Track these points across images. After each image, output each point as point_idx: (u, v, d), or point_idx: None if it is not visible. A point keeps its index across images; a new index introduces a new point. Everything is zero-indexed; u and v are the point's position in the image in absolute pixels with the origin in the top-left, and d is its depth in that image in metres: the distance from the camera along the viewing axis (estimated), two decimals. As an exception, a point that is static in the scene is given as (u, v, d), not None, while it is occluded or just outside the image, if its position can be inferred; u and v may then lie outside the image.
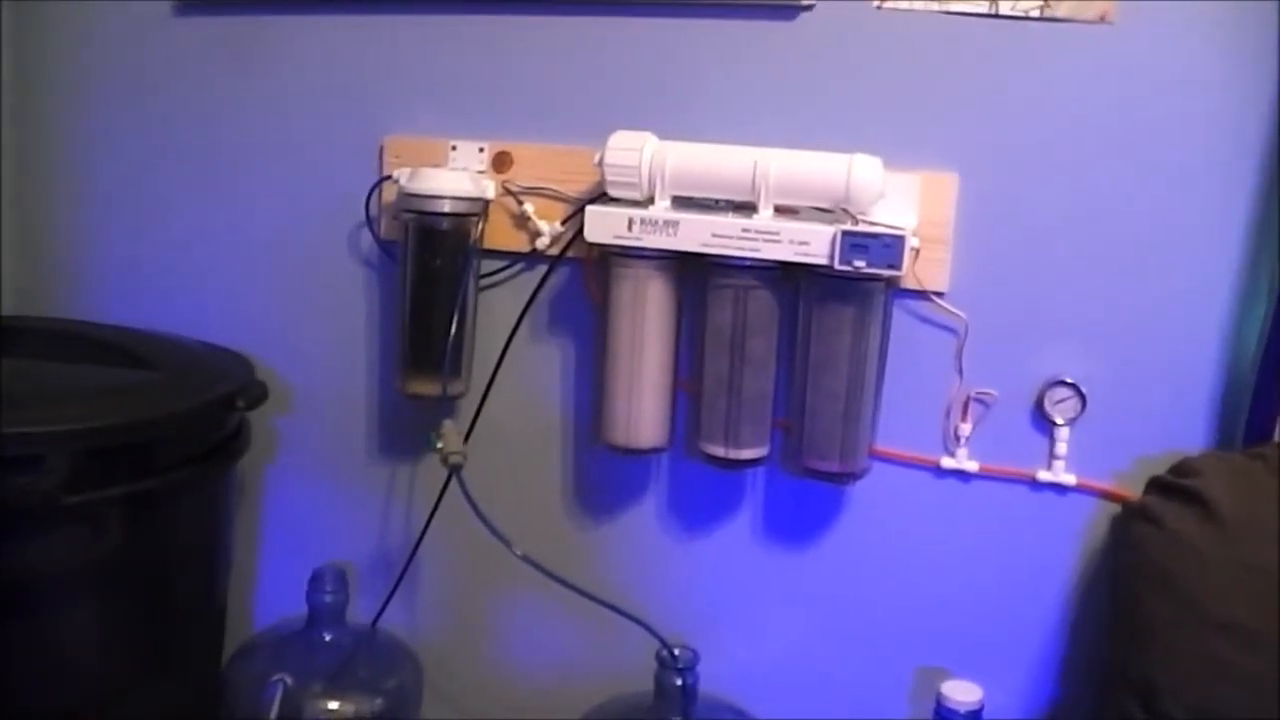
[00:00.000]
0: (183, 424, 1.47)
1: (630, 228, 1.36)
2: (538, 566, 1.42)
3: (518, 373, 1.58)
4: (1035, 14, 1.32)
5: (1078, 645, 1.41)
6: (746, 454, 1.42)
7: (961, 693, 1.36)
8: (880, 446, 1.44)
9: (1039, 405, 1.37)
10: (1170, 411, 1.34)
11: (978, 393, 1.40)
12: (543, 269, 1.55)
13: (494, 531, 1.42)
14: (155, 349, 1.63)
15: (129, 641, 1.49)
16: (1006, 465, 1.40)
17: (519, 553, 1.43)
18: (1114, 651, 1.31)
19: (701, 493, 1.55)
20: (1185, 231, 1.31)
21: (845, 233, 1.27)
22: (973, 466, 1.41)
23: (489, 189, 1.52)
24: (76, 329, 1.71)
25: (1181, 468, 1.29)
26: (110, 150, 1.80)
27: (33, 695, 1.42)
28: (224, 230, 1.74)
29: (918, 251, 1.33)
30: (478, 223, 1.53)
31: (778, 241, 1.30)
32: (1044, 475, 1.38)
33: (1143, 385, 1.34)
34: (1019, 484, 1.40)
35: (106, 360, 1.58)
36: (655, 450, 1.47)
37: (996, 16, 1.34)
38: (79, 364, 1.58)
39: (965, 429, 1.40)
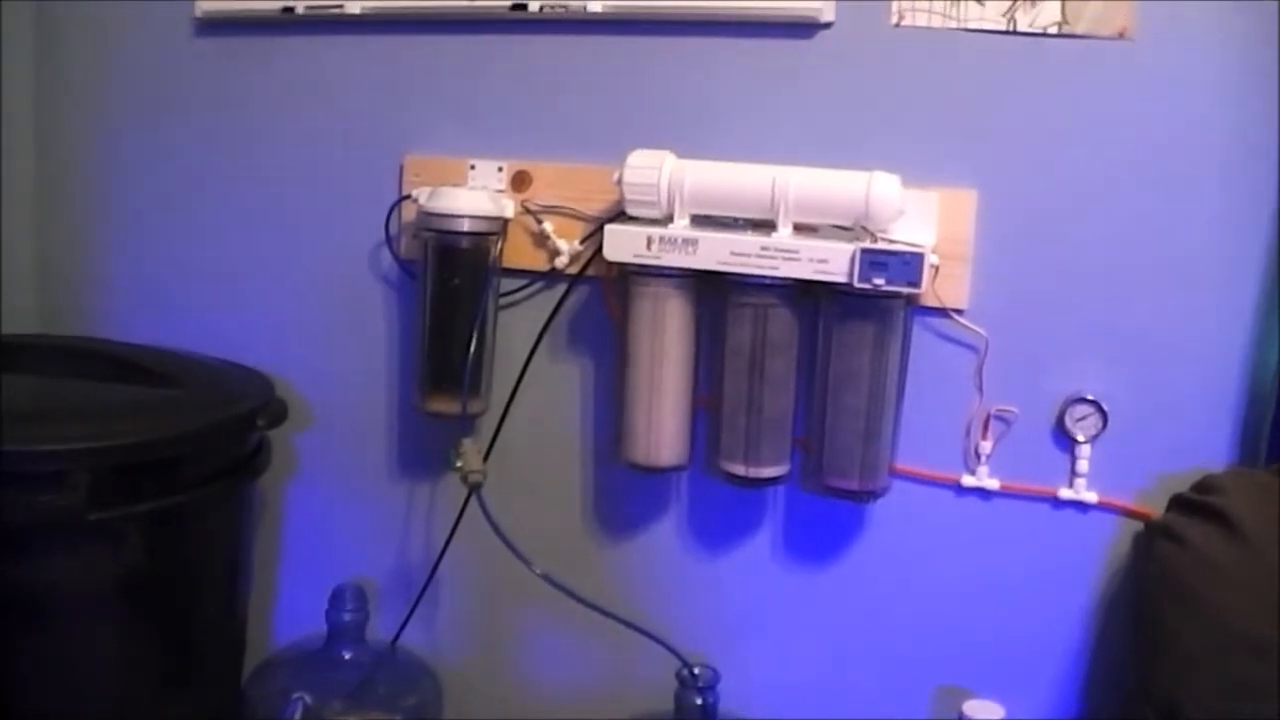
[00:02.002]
0: (204, 441, 1.47)
1: (649, 246, 1.36)
2: (557, 585, 1.43)
3: (537, 391, 1.59)
4: (1054, 30, 1.32)
5: (1100, 664, 1.40)
6: (766, 472, 1.41)
7: (983, 712, 1.36)
8: (900, 464, 1.43)
9: (1060, 422, 1.37)
10: (1192, 428, 1.33)
11: (998, 410, 1.39)
12: (562, 287, 1.55)
13: (513, 550, 1.43)
14: (176, 367, 1.64)
15: (149, 657, 1.50)
16: (1028, 483, 1.40)
17: (538, 571, 1.43)
18: (1137, 670, 1.30)
19: (721, 511, 1.54)
20: (1206, 247, 1.30)
21: (864, 250, 1.27)
22: (994, 484, 1.40)
23: (508, 208, 1.53)
24: (99, 347, 1.72)
25: (1204, 485, 1.28)
26: (132, 170, 1.82)
27: (53, 711, 1.42)
28: (245, 249, 1.75)
29: (937, 269, 1.33)
30: (497, 241, 1.53)
31: (797, 259, 1.30)
32: (1065, 493, 1.38)
33: (1164, 402, 1.34)
34: (1040, 502, 1.40)
35: (128, 378, 1.59)
36: (675, 468, 1.47)
37: (1014, 33, 1.34)
38: (101, 381, 1.59)
39: (986, 447, 1.40)
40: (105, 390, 1.57)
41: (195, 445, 1.46)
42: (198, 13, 1.72)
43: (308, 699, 1.52)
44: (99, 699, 1.46)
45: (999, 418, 1.39)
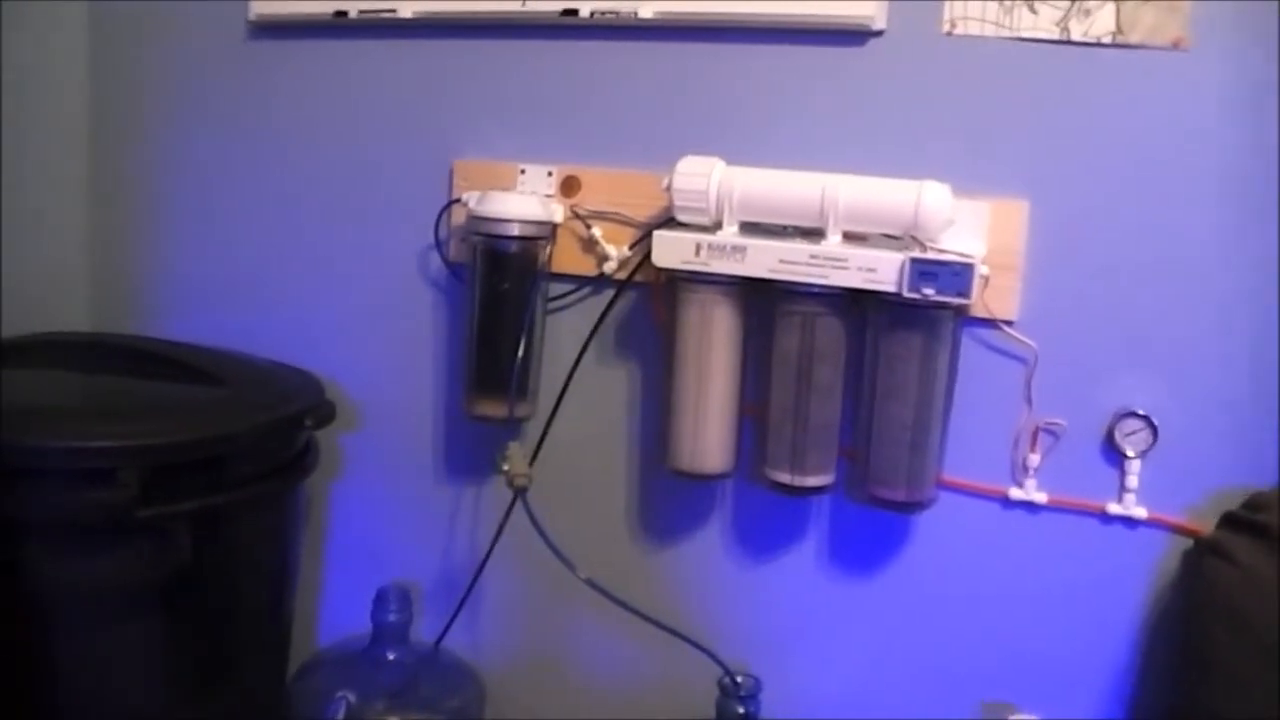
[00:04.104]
0: (252, 441, 1.48)
1: (698, 253, 1.36)
2: (601, 590, 1.43)
3: (584, 396, 1.59)
4: (1108, 40, 1.31)
5: (1147, 681, 1.39)
6: (812, 481, 1.41)
7: (1027, 726, 1.35)
8: (947, 476, 1.42)
9: (1109, 437, 1.35)
10: (1244, 445, 1.32)
11: (1047, 423, 1.38)
12: (610, 293, 1.55)
13: (558, 554, 1.43)
14: (226, 366, 1.65)
15: (195, 655, 1.51)
16: (1076, 497, 1.38)
17: (583, 576, 1.43)
18: (1183, 688, 1.29)
19: (766, 519, 1.54)
20: (1261, 261, 1.28)
21: (914, 260, 1.26)
22: (1041, 498, 1.39)
23: (557, 213, 1.53)
24: (150, 346, 1.73)
25: (1255, 502, 1.27)
26: (183, 170, 1.84)
27: (98, 707, 1.44)
28: (295, 250, 1.77)
29: (987, 279, 1.32)
30: (545, 246, 1.53)
31: (845, 268, 1.30)
32: (1114, 508, 1.36)
33: (1216, 417, 1.32)
34: (1088, 516, 1.38)
35: (179, 377, 1.60)
36: (720, 476, 1.47)
37: (1068, 43, 1.33)
38: (152, 380, 1.60)
39: (1034, 460, 1.39)
40: (156, 389, 1.58)
41: (244, 445, 1.47)
42: (251, 15, 1.73)
43: (351, 698, 1.52)
44: (144, 696, 1.47)
45: (1048, 431, 1.38)
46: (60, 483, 1.35)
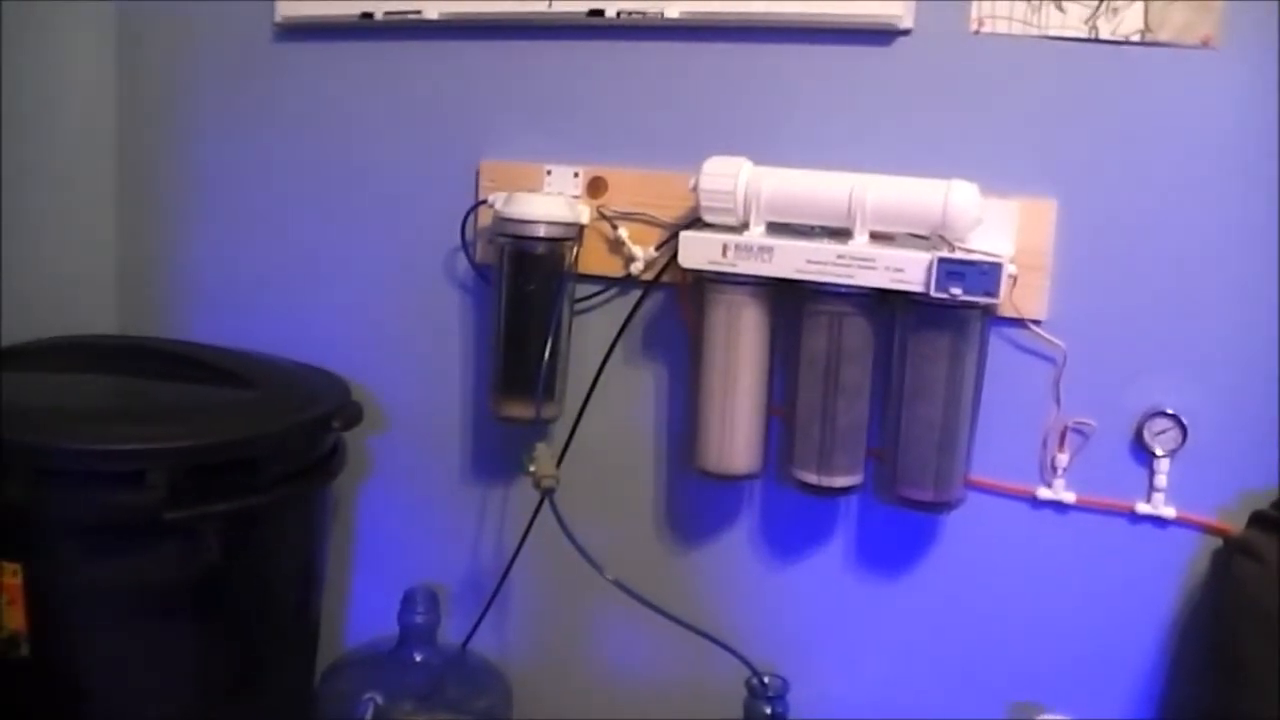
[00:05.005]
0: (280, 443, 1.48)
1: (725, 253, 1.36)
2: (629, 591, 1.43)
3: (611, 397, 1.59)
4: (1136, 38, 1.30)
5: (1176, 682, 1.38)
6: (839, 481, 1.40)
7: (1056, 727, 1.35)
8: (975, 476, 1.42)
9: (1138, 436, 1.35)
10: (1273, 444, 1.31)
11: (1076, 422, 1.38)
12: (637, 294, 1.55)
13: (585, 555, 1.43)
14: (253, 369, 1.65)
15: (224, 657, 1.51)
16: (1104, 497, 1.38)
17: (610, 577, 1.43)
18: (1213, 688, 1.28)
19: (794, 520, 1.54)
20: (1291, 259, 1.28)
21: (942, 260, 1.26)
22: (1070, 498, 1.39)
23: (584, 214, 1.53)
24: (177, 348, 1.74)
25: (1286, 501, 1.27)
26: (210, 173, 1.84)
27: (128, 708, 1.44)
28: (321, 252, 1.77)
29: (1015, 279, 1.32)
30: (572, 247, 1.53)
31: (873, 268, 1.30)
32: (1143, 507, 1.36)
33: (1246, 417, 1.32)
34: (1117, 516, 1.38)
35: (207, 379, 1.61)
36: (748, 476, 1.46)
37: (1096, 41, 1.32)
38: (180, 382, 1.60)
39: (1063, 459, 1.38)
40: (183, 391, 1.58)
41: (272, 446, 1.47)
42: (277, 17, 1.74)
43: (379, 700, 1.53)
44: (173, 697, 1.47)
45: (1076, 430, 1.38)
46: (89, 484, 1.35)
